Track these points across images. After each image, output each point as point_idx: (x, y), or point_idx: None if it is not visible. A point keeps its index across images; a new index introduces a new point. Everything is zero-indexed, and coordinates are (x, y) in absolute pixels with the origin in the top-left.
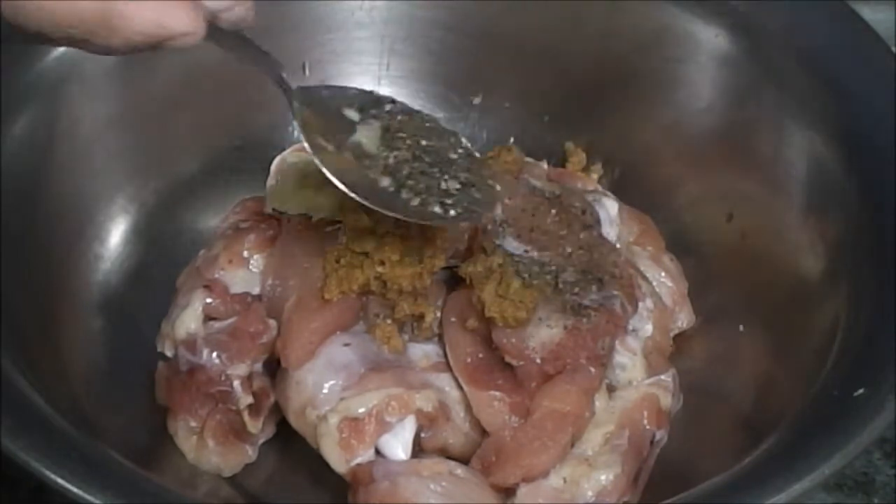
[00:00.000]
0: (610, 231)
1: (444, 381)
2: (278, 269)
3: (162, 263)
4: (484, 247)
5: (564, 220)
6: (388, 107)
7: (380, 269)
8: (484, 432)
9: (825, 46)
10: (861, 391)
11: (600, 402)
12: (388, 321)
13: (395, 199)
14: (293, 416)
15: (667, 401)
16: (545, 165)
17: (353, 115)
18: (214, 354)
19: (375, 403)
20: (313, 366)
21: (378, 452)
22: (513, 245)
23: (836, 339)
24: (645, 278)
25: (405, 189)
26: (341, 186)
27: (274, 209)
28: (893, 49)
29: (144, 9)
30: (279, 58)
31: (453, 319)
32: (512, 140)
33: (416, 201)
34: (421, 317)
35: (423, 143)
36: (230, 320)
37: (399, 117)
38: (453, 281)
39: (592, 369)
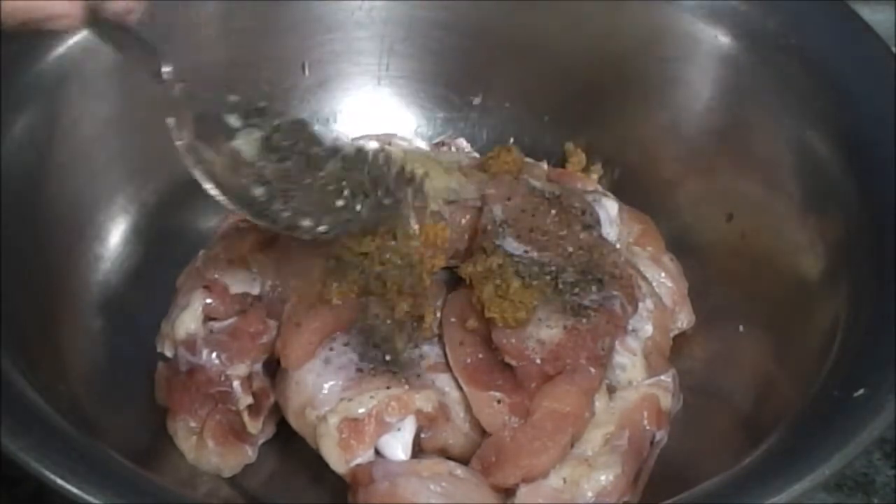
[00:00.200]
0: (610, 231)
1: (444, 381)
2: (278, 269)
3: (162, 263)
4: (484, 247)
5: (564, 220)
6: (276, 120)
7: (380, 268)
8: (484, 433)
9: (825, 46)
10: (861, 391)
11: (600, 402)
12: (388, 321)
13: (267, 209)
14: (293, 417)
15: (667, 401)
16: (545, 165)
17: (234, 121)
18: (214, 355)
19: (375, 404)
20: (313, 366)
21: (378, 453)
22: (513, 245)
23: (836, 339)
24: (645, 278)
25: (277, 200)
26: (211, 189)
27: None
28: (893, 49)
29: None
30: (279, 58)
31: (453, 320)
32: (512, 140)
33: (286, 213)
34: (421, 317)
35: (307, 156)
36: (230, 320)
37: (283, 130)
38: (453, 281)
39: (592, 370)
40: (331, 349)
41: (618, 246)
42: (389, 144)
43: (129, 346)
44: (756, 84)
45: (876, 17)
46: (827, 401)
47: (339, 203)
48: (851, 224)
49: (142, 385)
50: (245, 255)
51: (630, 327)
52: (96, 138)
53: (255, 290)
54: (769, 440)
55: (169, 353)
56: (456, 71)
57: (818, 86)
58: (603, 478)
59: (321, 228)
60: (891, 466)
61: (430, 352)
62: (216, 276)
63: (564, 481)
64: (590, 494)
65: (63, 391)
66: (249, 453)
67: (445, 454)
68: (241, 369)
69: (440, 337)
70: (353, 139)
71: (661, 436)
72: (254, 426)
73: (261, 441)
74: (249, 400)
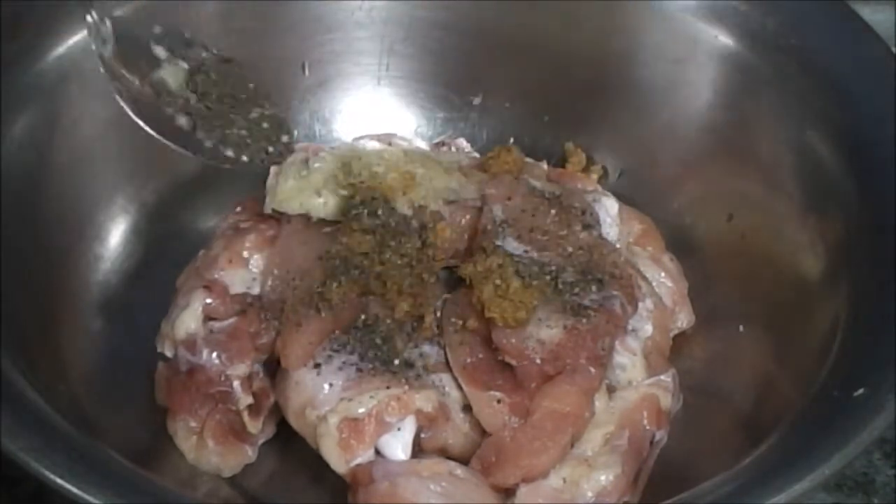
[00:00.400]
0: (610, 231)
1: (444, 381)
2: (278, 270)
3: (162, 263)
4: (484, 247)
5: (564, 220)
6: (203, 53)
7: (380, 268)
8: (484, 432)
9: (825, 46)
10: (861, 391)
11: (600, 402)
12: (388, 321)
13: (190, 139)
14: (293, 417)
15: (667, 401)
16: (545, 165)
17: (160, 52)
18: (214, 355)
19: (375, 404)
20: (313, 366)
21: (378, 453)
22: (513, 245)
23: (836, 339)
24: (645, 278)
25: (200, 130)
26: (134, 117)
27: (274, 209)
28: (893, 49)
29: None
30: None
31: (453, 320)
32: (512, 140)
33: (209, 143)
34: (421, 317)
35: (229, 89)
36: (230, 320)
37: (208, 63)
38: (453, 281)
39: (592, 369)
40: (331, 349)
41: (618, 246)
42: (390, 144)
43: (129, 346)
44: (756, 84)
45: (876, 17)
46: (827, 401)
47: (243, 133)
48: (851, 224)
49: (142, 385)
50: (245, 255)
51: (630, 327)
52: (96, 138)
53: (255, 290)
54: (769, 440)
55: (169, 353)
56: (456, 71)
57: (818, 86)
58: (603, 478)
59: (244, 158)
60: (891, 466)
61: (430, 352)
62: (216, 276)
63: (564, 481)
64: (590, 494)
65: (63, 391)
66: (249, 453)
67: (445, 454)
68: (241, 369)
69: (440, 337)
70: (353, 139)
71: (661, 436)
72: (254, 426)
73: (261, 441)
74: (249, 400)
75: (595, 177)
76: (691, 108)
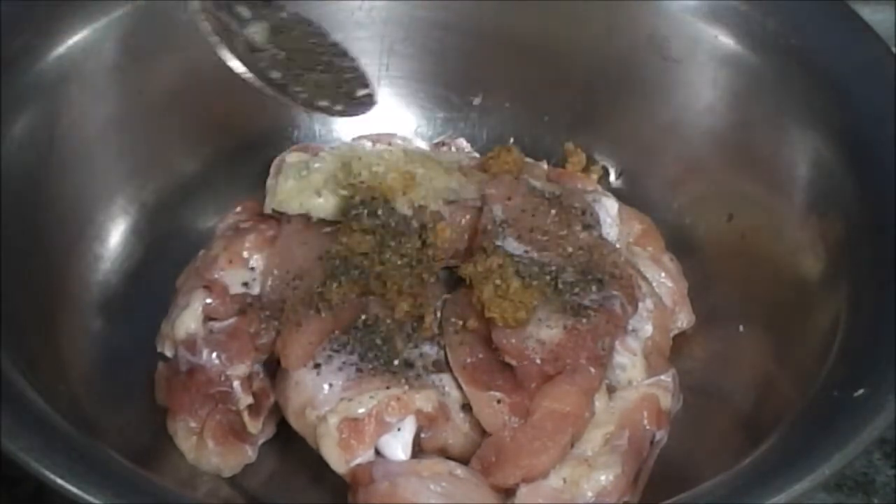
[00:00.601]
0: (610, 231)
1: (444, 381)
2: (278, 270)
3: (162, 263)
4: (484, 247)
5: (564, 220)
6: (282, 14)
7: (380, 268)
8: (484, 432)
9: (825, 46)
10: (861, 391)
11: (600, 402)
12: (388, 321)
13: (287, 90)
14: (293, 417)
15: (667, 401)
16: (545, 165)
17: (244, 11)
18: (214, 355)
19: (375, 404)
20: (313, 366)
21: (378, 453)
22: (513, 245)
23: (836, 339)
24: (645, 278)
25: (293, 83)
26: (241, 69)
27: (274, 209)
28: (893, 49)
29: None
30: None
31: (453, 320)
32: (512, 140)
33: (304, 94)
34: (421, 317)
35: (311, 45)
36: (230, 320)
37: (287, 21)
38: (453, 281)
39: (592, 369)
40: (331, 349)
41: (618, 246)
42: (389, 144)
43: (129, 346)
44: (756, 84)
45: (876, 17)
46: (827, 401)
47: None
48: (851, 224)
49: (142, 385)
50: (245, 255)
51: (630, 327)
52: (96, 138)
53: (255, 291)
54: (769, 440)
55: (169, 353)
56: (456, 71)
57: (818, 86)
58: (603, 478)
59: (338, 108)
60: (891, 466)
61: (430, 352)
62: (216, 276)
63: (564, 481)
64: (590, 494)
65: (63, 391)
66: (249, 453)
67: (445, 454)
68: (241, 369)
69: (440, 337)
70: (353, 139)
71: (661, 436)
72: (254, 426)
73: (261, 441)
74: (249, 400)
75: (595, 177)
76: (691, 109)
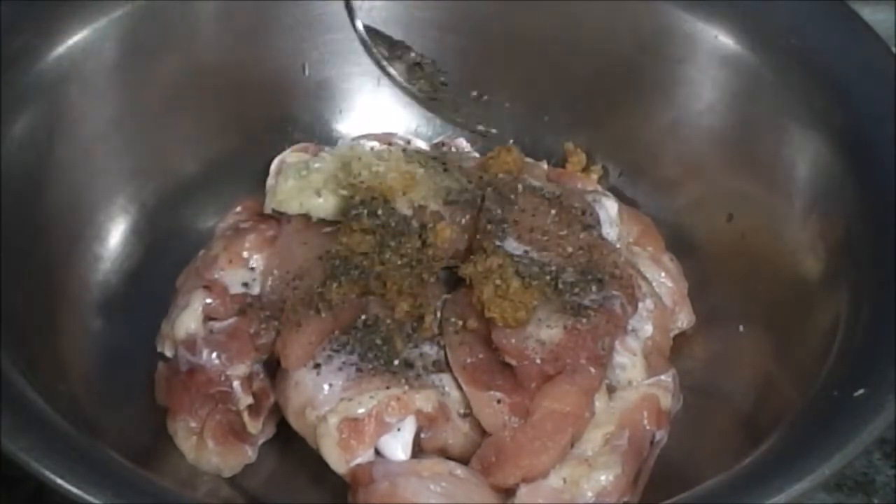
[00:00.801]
0: (610, 231)
1: (444, 381)
2: (278, 270)
3: (162, 263)
4: (484, 247)
5: (564, 220)
6: (411, 53)
7: (380, 268)
8: (484, 433)
9: (825, 46)
10: (861, 391)
11: (600, 402)
12: (388, 321)
13: (446, 114)
14: (293, 417)
15: (667, 401)
16: (545, 165)
17: (383, 50)
18: (214, 355)
19: (375, 404)
20: (313, 366)
21: (378, 453)
22: (513, 245)
23: (836, 339)
24: (645, 278)
25: (445, 109)
26: (403, 84)
27: (274, 209)
28: (893, 49)
29: None
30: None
31: (453, 320)
32: (512, 140)
33: (459, 119)
34: (421, 317)
35: (444, 79)
36: (230, 320)
37: (419, 59)
38: (453, 281)
39: (592, 369)
40: (331, 349)
41: (618, 246)
42: (390, 144)
43: (129, 346)
44: (756, 84)
45: (876, 17)
46: (827, 401)
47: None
48: (851, 224)
49: (142, 385)
50: (245, 255)
51: (630, 327)
52: (96, 138)
53: (255, 291)
54: (769, 440)
55: (169, 353)
56: (455, 71)
57: (818, 86)
58: (603, 478)
59: (493, 130)
60: (891, 466)
61: (430, 352)
62: (216, 276)
63: (564, 481)
64: (590, 494)
65: (63, 391)
66: (249, 453)
67: (445, 454)
68: (241, 369)
69: (440, 337)
70: (353, 139)
71: (661, 436)
72: (254, 426)
73: (261, 441)
74: (249, 400)
75: (595, 177)
76: (691, 109)
